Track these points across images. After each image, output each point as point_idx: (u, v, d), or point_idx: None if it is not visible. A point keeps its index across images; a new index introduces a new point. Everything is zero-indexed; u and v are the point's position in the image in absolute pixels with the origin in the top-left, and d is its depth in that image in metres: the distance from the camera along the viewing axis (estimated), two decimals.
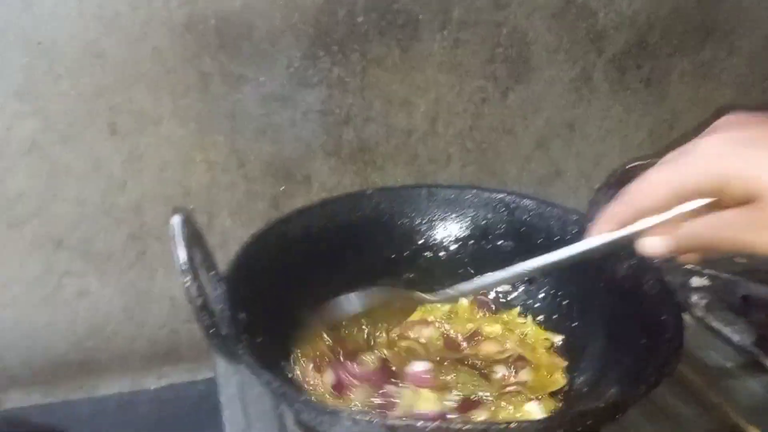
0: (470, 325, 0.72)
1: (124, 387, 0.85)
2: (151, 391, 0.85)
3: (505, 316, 0.73)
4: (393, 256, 0.76)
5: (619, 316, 0.63)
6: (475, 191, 0.77)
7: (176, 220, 0.51)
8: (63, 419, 0.81)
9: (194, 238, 0.55)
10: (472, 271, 0.76)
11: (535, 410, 0.58)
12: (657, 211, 0.45)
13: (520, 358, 0.65)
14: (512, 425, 0.44)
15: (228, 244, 0.80)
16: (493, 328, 0.71)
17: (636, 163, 0.66)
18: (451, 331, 0.71)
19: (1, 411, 0.77)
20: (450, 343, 0.70)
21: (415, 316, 0.71)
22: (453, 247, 0.77)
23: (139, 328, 0.85)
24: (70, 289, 0.80)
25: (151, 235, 0.80)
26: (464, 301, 0.74)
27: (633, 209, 0.47)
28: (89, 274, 0.80)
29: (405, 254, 0.77)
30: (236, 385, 0.73)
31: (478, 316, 0.74)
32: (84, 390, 0.84)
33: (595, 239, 0.50)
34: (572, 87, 0.89)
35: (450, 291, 0.62)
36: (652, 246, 0.46)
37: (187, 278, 0.49)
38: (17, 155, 0.72)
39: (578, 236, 0.69)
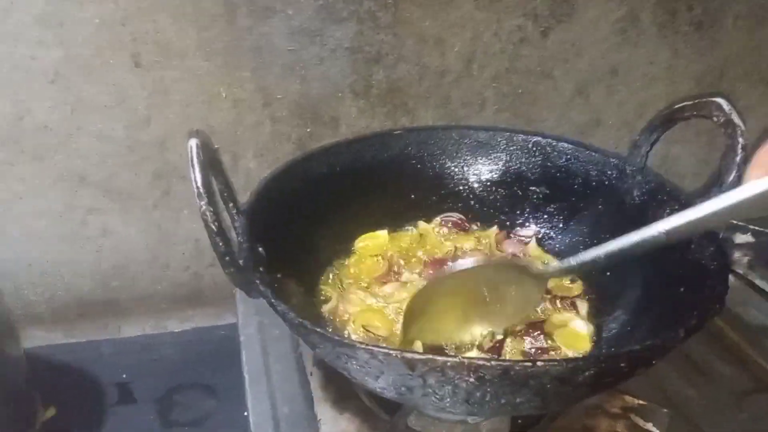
0: (448, 244, 0.70)
1: (147, 328, 0.86)
2: (174, 334, 0.86)
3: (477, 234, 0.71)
4: (420, 200, 0.73)
5: (657, 264, 0.59)
6: (508, 134, 0.73)
7: (193, 143, 0.49)
8: (85, 359, 0.81)
9: (213, 164, 0.53)
10: (503, 218, 0.74)
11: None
12: None
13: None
14: (538, 364, 0.41)
15: (252, 185, 0.76)
16: (471, 243, 0.69)
17: (684, 103, 0.62)
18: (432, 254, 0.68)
19: (24, 349, 0.77)
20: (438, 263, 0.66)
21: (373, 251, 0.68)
22: (484, 192, 0.74)
23: (163, 269, 0.85)
24: (94, 227, 0.80)
25: (176, 174, 0.79)
26: (427, 226, 0.72)
27: None
28: (113, 211, 0.79)
29: (433, 198, 0.74)
30: (256, 326, 0.72)
31: (451, 236, 0.71)
32: (107, 330, 0.85)
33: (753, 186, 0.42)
34: (617, 28, 0.83)
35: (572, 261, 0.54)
36: None
37: (203, 202, 0.47)
38: (41, 85, 0.71)
39: (618, 180, 0.67)
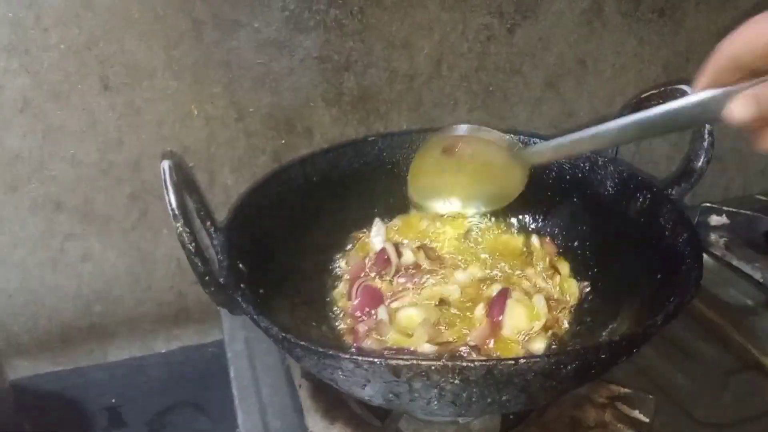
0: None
1: (134, 351, 0.85)
2: (161, 354, 0.85)
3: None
4: (399, 203, 0.73)
5: (633, 252, 0.60)
6: None
7: (165, 165, 0.49)
8: (73, 386, 0.80)
9: (187, 183, 0.53)
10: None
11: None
12: (755, 64, 0.42)
13: None
14: (521, 361, 0.42)
15: (231, 201, 0.76)
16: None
17: (650, 92, 0.62)
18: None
19: (9, 381, 0.76)
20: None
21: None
22: None
23: (146, 291, 0.84)
24: (73, 253, 0.79)
25: (152, 194, 0.78)
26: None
27: (732, 63, 0.44)
28: (91, 236, 0.78)
29: None
30: (243, 342, 0.71)
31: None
32: (93, 356, 0.84)
33: (691, 97, 0.47)
34: (583, 20, 0.84)
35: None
36: (738, 111, 0.43)
37: (179, 223, 0.47)
38: (10, 114, 0.70)
39: (591, 172, 0.68)
